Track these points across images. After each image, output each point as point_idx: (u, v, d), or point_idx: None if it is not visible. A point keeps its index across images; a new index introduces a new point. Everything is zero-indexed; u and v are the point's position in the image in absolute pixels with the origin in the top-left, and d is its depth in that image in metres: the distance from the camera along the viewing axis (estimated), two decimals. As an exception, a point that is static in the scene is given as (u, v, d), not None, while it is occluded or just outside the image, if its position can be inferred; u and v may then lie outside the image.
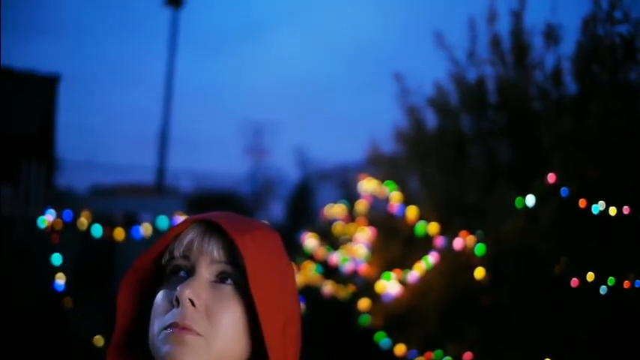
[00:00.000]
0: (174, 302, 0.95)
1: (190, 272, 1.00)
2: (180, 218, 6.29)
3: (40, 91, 8.36)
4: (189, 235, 1.01)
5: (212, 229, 1.01)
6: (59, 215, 5.84)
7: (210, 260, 0.99)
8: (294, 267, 1.12)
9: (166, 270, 1.03)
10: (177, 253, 1.01)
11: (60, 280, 5.76)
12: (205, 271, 0.99)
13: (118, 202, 12.46)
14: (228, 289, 0.98)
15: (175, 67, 18.93)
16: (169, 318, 0.95)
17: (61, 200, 9.53)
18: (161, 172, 17.96)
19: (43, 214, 5.81)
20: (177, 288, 0.95)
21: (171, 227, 1.03)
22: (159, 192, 17.25)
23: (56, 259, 5.72)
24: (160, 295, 1.00)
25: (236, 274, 0.99)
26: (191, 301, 0.94)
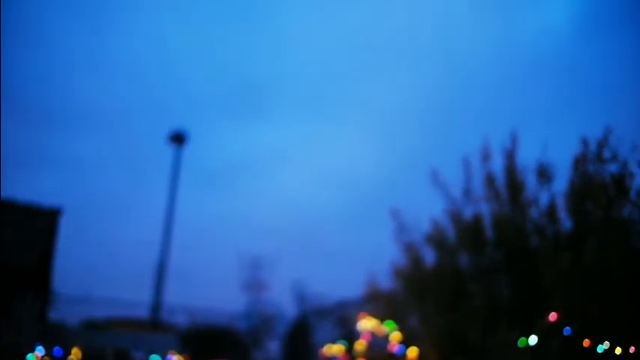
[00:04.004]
0: None
1: None
2: (173, 357, 6.11)
3: (41, 225, 8.42)
4: None
5: None
6: (49, 352, 5.68)
7: None
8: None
9: None
10: None
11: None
12: None
13: (111, 336, 12.12)
14: None
15: (176, 200, 19.22)
16: None
17: (53, 334, 9.28)
18: (156, 306, 17.62)
19: (33, 350, 5.65)
20: None
21: None
22: (153, 327, 16.83)
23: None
24: None
25: None
26: None
